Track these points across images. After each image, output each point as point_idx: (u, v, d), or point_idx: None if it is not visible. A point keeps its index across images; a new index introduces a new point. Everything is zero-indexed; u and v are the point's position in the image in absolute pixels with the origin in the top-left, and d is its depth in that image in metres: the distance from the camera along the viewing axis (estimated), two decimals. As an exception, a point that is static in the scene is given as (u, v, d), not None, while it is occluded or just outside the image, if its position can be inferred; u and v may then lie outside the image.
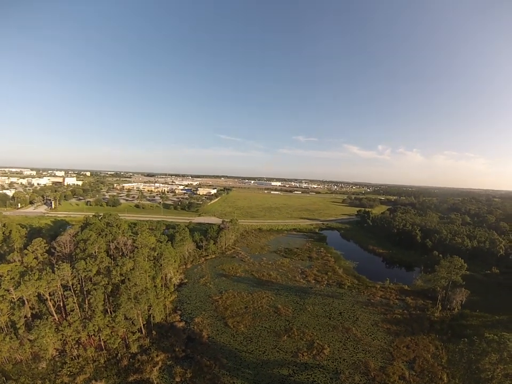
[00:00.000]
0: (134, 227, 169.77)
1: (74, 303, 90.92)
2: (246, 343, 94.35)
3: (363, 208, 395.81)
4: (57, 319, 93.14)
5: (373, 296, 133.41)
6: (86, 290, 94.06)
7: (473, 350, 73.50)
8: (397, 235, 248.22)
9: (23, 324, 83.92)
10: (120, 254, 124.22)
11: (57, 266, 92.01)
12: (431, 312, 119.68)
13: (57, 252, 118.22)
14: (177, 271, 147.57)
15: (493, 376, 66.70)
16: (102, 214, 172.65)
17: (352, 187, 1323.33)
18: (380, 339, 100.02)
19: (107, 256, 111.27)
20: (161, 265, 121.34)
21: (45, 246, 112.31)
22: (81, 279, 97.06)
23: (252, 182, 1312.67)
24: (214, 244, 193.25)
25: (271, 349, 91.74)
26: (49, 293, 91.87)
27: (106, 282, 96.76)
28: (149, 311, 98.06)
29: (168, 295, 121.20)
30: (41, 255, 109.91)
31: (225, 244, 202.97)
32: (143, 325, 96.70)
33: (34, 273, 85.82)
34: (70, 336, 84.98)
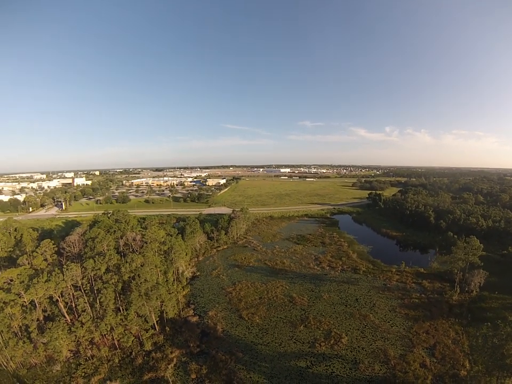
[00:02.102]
0: (144, 222, 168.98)
1: (85, 303, 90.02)
2: (261, 335, 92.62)
3: (374, 191, 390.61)
4: (69, 320, 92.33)
5: (389, 281, 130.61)
6: (96, 290, 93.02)
7: (498, 335, 70.44)
8: (410, 217, 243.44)
9: (35, 327, 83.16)
10: (130, 250, 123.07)
11: (65, 266, 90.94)
12: (449, 295, 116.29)
13: (66, 252, 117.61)
14: (189, 264, 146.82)
15: (519, 362, 63.66)
16: (111, 211, 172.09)
17: (361, 170, 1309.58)
18: (399, 325, 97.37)
19: (117, 253, 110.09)
20: (172, 259, 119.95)
21: (53, 247, 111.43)
22: (91, 278, 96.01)
23: (261, 170, 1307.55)
24: (225, 234, 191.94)
25: (287, 340, 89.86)
26: (60, 294, 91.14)
27: (116, 280, 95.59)
28: (161, 307, 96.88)
29: (181, 289, 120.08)
30: (50, 257, 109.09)
31: (237, 234, 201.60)
32: (156, 321, 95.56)
33: (42, 276, 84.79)
34: (83, 336, 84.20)
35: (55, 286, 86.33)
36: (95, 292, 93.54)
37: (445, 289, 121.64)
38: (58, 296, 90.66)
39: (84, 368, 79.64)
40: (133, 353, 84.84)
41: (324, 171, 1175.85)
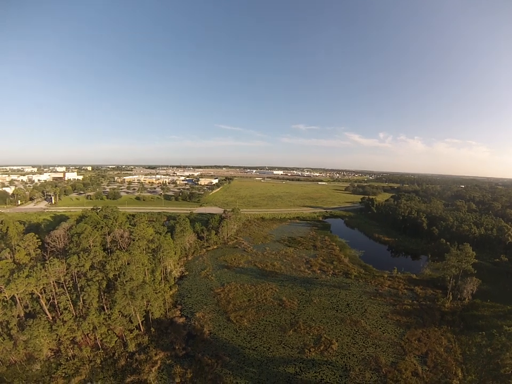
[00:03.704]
0: (133, 219, 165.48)
1: (68, 300, 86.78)
2: (249, 339, 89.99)
3: (366, 196, 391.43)
4: (51, 318, 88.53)
5: (380, 286, 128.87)
6: (79, 287, 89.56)
7: (492, 344, 68.69)
8: (402, 222, 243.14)
9: (15, 324, 79.82)
10: (118, 247, 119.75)
11: (48, 262, 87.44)
12: (442, 302, 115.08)
13: (51, 246, 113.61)
14: (178, 264, 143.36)
15: (514, 372, 61.93)
16: (100, 207, 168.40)
17: (354, 175, 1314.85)
18: (390, 332, 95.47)
19: (103, 250, 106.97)
20: (160, 257, 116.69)
21: (37, 241, 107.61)
22: (75, 275, 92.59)
23: (254, 171, 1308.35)
24: (215, 234, 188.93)
25: (276, 344, 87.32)
26: (42, 290, 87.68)
27: (101, 278, 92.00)
28: (147, 306, 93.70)
29: (168, 289, 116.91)
30: (33, 251, 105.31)
31: (227, 234, 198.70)
32: (141, 321, 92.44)
33: (24, 271, 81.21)
34: (65, 335, 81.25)
35: (36, 282, 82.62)
36: (79, 289, 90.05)
37: (437, 296, 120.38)
38: (40, 293, 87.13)
39: (65, 368, 76.36)
40: (116, 354, 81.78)
41: (317, 174, 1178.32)
